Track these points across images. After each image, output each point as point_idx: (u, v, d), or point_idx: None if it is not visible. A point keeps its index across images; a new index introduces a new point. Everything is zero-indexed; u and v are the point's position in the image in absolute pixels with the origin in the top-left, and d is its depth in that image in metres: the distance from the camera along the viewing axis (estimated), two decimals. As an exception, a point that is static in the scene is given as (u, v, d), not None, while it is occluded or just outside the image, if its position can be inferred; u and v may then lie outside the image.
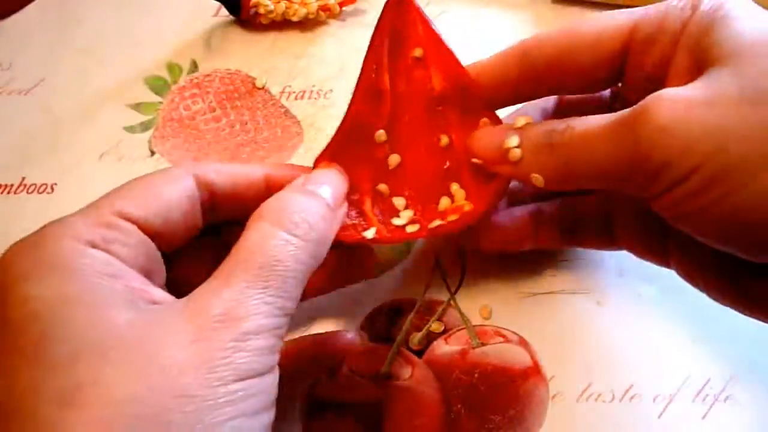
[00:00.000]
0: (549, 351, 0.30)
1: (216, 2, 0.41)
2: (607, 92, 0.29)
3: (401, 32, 0.28)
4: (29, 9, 0.43)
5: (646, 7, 0.25)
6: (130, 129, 0.38)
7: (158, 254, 0.23)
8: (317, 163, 0.28)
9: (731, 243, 0.22)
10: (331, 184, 0.25)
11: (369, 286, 0.32)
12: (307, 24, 0.41)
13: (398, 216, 0.29)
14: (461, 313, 0.31)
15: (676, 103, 0.21)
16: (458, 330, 0.31)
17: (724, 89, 0.20)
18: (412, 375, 0.30)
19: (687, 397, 0.29)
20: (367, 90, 0.28)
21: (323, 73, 0.40)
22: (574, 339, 0.31)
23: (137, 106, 0.39)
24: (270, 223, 0.22)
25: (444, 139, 0.29)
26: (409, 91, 0.29)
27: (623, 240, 0.29)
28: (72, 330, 0.19)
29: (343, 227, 0.26)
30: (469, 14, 0.41)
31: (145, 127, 0.38)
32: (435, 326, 0.31)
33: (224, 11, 0.42)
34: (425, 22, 0.28)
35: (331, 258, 0.24)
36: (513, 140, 0.25)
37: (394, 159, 0.29)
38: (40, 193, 0.36)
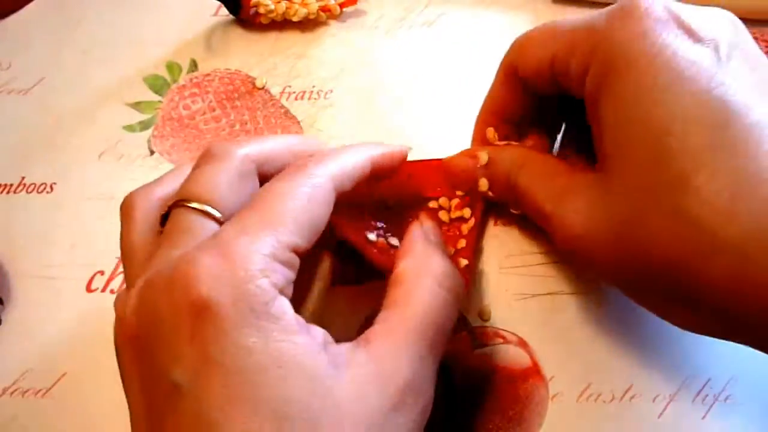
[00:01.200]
0: (549, 351, 0.30)
1: (216, 2, 0.41)
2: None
3: None
4: (29, 9, 0.43)
5: (575, 21, 0.26)
6: (130, 128, 0.38)
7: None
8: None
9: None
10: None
11: (369, 287, 0.32)
12: (307, 24, 0.41)
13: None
14: (461, 314, 0.31)
15: (567, 232, 0.25)
16: (458, 330, 0.31)
17: (605, 223, 0.23)
18: (412, 375, 0.30)
19: (687, 397, 0.29)
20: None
21: (323, 73, 0.40)
22: (574, 339, 0.31)
23: (137, 105, 0.39)
24: (434, 283, 0.23)
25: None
26: None
27: None
28: (291, 394, 0.19)
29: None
30: (469, 15, 0.41)
31: (144, 126, 0.38)
32: (435, 326, 0.31)
33: (224, 11, 0.42)
34: None
35: None
36: (484, 184, 0.30)
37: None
38: (40, 192, 0.36)
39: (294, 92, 0.39)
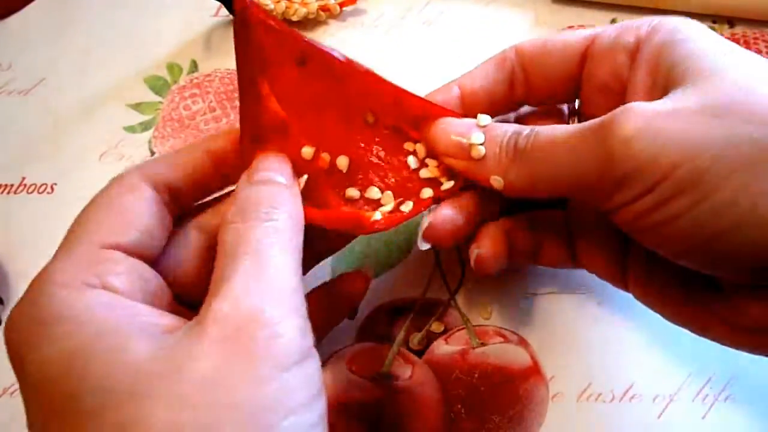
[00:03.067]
0: (549, 351, 0.30)
1: (216, 2, 0.41)
2: (565, 109, 0.29)
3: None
4: (29, 9, 0.43)
5: (607, 25, 0.26)
6: (130, 129, 0.38)
7: (152, 273, 0.23)
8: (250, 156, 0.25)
9: (690, 256, 0.22)
10: (274, 167, 0.24)
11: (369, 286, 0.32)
12: (307, 24, 0.41)
13: (382, 204, 0.27)
14: (461, 313, 0.31)
15: (642, 115, 0.21)
16: (458, 330, 0.31)
17: (688, 104, 0.21)
18: (412, 375, 0.30)
19: (687, 397, 0.29)
20: (259, 129, 0.25)
21: (323, 73, 0.40)
22: (574, 339, 0.31)
23: (137, 106, 0.39)
24: (242, 222, 0.21)
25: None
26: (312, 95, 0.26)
27: (583, 259, 0.28)
28: (91, 381, 0.18)
29: (346, 220, 0.25)
30: (468, 13, 0.41)
31: (145, 126, 0.38)
32: (435, 326, 0.31)
33: (224, 11, 0.42)
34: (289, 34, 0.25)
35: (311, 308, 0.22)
36: (477, 137, 0.25)
37: (342, 161, 0.26)
38: (40, 193, 0.36)
39: (294, 92, 0.39)
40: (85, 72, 0.41)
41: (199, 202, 0.26)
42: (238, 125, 0.26)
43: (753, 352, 0.24)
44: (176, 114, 0.39)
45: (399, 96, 0.27)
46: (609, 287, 0.32)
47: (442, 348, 0.31)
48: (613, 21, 0.40)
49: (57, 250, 0.22)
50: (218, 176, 0.26)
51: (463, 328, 0.31)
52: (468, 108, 0.28)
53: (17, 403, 0.31)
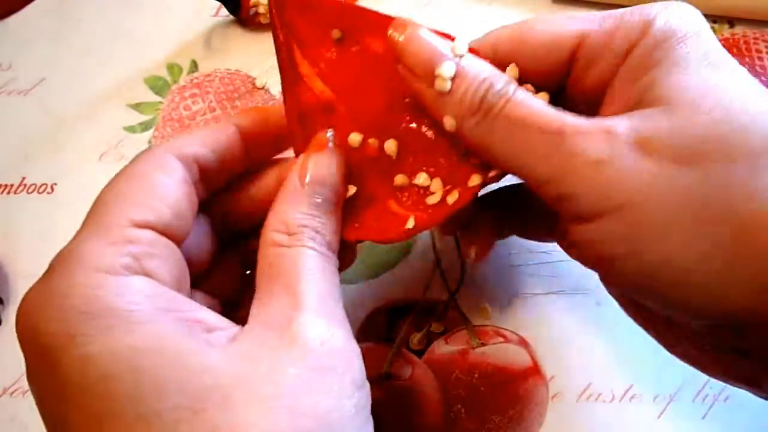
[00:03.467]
0: (549, 351, 0.30)
1: (216, 2, 0.41)
2: None
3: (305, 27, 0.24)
4: (29, 9, 0.43)
5: (602, 14, 0.23)
6: (131, 129, 0.38)
7: (180, 255, 0.22)
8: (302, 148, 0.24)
9: (632, 294, 0.22)
10: (327, 174, 0.23)
11: (369, 286, 0.32)
12: (307, 24, 0.41)
13: (431, 193, 0.25)
14: (461, 313, 0.31)
15: (612, 144, 0.20)
16: (458, 330, 0.31)
17: (658, 141, 0.20)
18: (412, 375, 0.30)
19: (687, 397, 0.29)
20: (306, 109, 0.25)
21: (323, 73, 0.40)
22: (574, 339, 0.31)
23: (137, 106, 0.39)
24: (289, 244, 0.21)
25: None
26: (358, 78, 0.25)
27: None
28: (163, 384, 0.17)
29: (380, 230, 0.25)
30: (469, 13, 0.41)
31: (145, 126, 0.38)
32: (435, 326, 0.31)
33: (224, 11, 0.42)
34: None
35: None
36: (448, 68, 0.22)
37: (390, 145, 0.25)
38: (40, 193, 0.36)
39: (294, 92, 0.39)
40: (85, 72, 0.41)
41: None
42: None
43: (723, 381, 0.23)
44: (176, 114, 0.39)
45: None
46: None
47: (442, 348, 0.31)
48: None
49: (83, 226, 0.20)
50: (246, 156, 0.25)
51: (463, 328, 0.31)
52: None
53: (17, 402, 0.31)
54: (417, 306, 0.32)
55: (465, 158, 0.24)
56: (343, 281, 0.32)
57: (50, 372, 0.18)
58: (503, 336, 0.31)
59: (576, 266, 0.32)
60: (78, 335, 0.17)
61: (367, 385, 0.20)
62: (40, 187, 0.37)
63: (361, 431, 0.19)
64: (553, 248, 0.32)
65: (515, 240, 0.33)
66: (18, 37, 0.42)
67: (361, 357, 0.20)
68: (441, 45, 0.23)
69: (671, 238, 0.19)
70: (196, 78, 0.40)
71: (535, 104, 0.21)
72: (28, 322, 0.18)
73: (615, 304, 0.31)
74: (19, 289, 0.34)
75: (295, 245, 0.21)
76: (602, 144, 0.20)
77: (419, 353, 0.31)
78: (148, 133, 0.38)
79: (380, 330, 0.31)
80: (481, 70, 0.22)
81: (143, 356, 0.17)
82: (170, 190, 0.21)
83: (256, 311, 0.20)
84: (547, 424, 0.29)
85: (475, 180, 0.24)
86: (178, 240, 0.22)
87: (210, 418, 0.17)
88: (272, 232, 0.22)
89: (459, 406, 0.29)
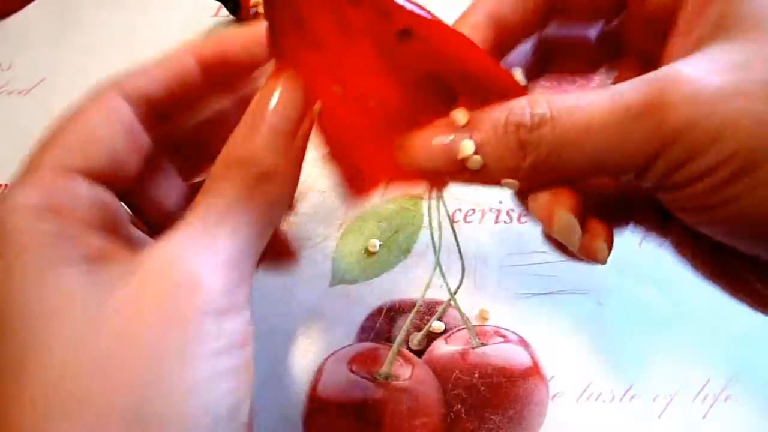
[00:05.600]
0: (549, 351, 0.30)
1: (216, 2, 0.41)
2: (592, 34, 0.24)
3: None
4: (29, 9, 0.43)
5: None
6: (130, 129, 0.38)
7: (115, 201, 0.21)
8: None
9: (737, 239, 0.20)
10: (284, 105, 0.20)
11: (369, 286, 0.32)
12: (307, 24, 0.41)
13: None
14: (461, 313, 0.31)
15: (698, 90, 0.18)
16: (458, 330, 0.31)
17: (751, 73, 0.18)
18: (412, 375, 0.30)
19: (687, 397, 0.29)
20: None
21: (323, 73, 0.40)
22: (574, 339, 0.31)
23: (137, 106, 0.39)
24: (228, 175, 0.19)
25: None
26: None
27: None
28: (11, 299, 0.17)
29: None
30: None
31: (145, 127, 0.38)
32: (435, 326, 0.31)
33: (224, 11, 0.42)
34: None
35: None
36: (467, 146, 0.20)
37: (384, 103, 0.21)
38: (40, 192, 0.36)
39: (294, 92, 0.39)
40: (85, 72, 0.40)
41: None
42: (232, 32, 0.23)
43: None
44: (176, 114, 0.39)
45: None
46: (609, 287, 0.32)
47: (442, 348, 0.31)
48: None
49: (18, 174, 0.20)
50: (209, 86, 0.22)
51: (463, 328, 0.31)
52: (501, 41, 0.23)
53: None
54: (417, 306, 0.32)
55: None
56: (343, 281, 0.33)
57: None
58: (503, 336, 0.31)
59: (576, 266, 0.32)
60: None
61: (238, 312, 0.18)
62: (40, 186, 0.37)
63: (215, 358, 0.17)
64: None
65: (515, 240, 0.33)
66: (18, 37, 0.42)
67: (227, 284, 0.18)
68: (442, 130, 0.21)
69: None
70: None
71: (586, 107, 0.19)
72: None
73: (615, 304, 0.31)
74: (19, 289, 0.34)
75: (229, 177, 0.19)
76: (687, 105, 0.18)
77: (419, 353, 0.31)
78: (148, 133, 0.38)
79: (380, 330, 0.31)
80: (496, 115, 0.20)
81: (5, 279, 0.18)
82: (106, 133, 0.20)
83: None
84: (547, 424, 0.29)
85: None
86: (117, 186, 0.21)
87: (21, 337, 0.17)
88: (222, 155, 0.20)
89: (459, 406, 0.29)
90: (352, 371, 0.30)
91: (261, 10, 0.40)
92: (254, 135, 0.20)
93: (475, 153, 0.20)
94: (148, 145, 0.22)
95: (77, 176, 0.20)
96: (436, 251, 0.33)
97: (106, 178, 0.20)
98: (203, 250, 0.18)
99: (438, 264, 0.33)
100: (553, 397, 0.30)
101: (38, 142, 0.20)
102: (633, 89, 0.19)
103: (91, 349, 0.17)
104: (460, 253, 0.33)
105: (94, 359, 0.17)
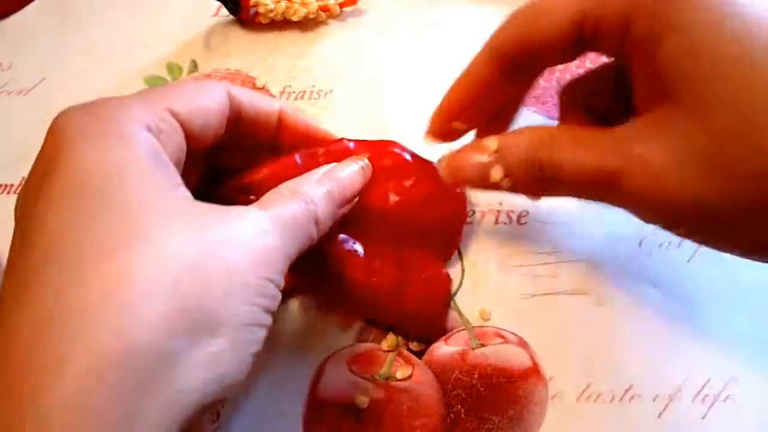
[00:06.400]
0: (548, 351, 0.30)
1: (216, 2, 0.41)
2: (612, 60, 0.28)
3: None
4: (29, 9, 0.43)
5: None
6: (130, 129, 0.38)
7: (186, 156, 0.24)
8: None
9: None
10: (344, 182, 0.27)
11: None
12: (307, 24, 0.41)
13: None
14: (461, 314, 0.31)
15: (650, 173, 0.22)
16: (458, 331, 0.31)
17: (693, 152, 0.21)
18: (412, 376, 0.30)
19: (687, 397, 0.29)
20: None
21: (323, 73, 0.40)
22: (574, 339, 0.31)
23: (137, 106, 0.39)
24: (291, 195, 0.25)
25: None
26: None
27: None
28: (128, 193, 0.20)
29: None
30: (468, 14, 0.41)
31: (145, 127, 0.38)
32: (435, 326, 0.31)
33: (224, 11, 0.42)
34: None
35: None
36: (497, 172, 0.26)
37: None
38: (40, 193, 0.36)
39: (294, 92, 0.39)
40: (85, 72, 0.41)
41: None
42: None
43: None
44: (176, 114, 0.39)
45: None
46: (609, 287, 0.32)
47: (441, 349, 0.31)
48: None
49: (133, 95, 0.24)
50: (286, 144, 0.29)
51: (462, 329, 0.31)
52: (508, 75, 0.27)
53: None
54: (417, 306, 0.32)
55: None
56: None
57: (46, 157, 0.21)
58: (503, 337, 0.31)
59: (576, 267, 0.32)
60: (86, 139, 0.20)
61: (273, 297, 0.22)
62: (40, 187, 0.37)
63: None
64: (553, 249, 0.32)
65: (515, 241, 0.33)
66: (18, 37, 0.42)
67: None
68: (477, 156, 0.26)
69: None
70: (196, 78, 0.40)
71: (576, 152, 0.24)
72: (60, 120, 0.21)
73: (615, 304, 0.31)
74: (19, 289, 0.34)
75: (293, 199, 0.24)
76: (645, 178, 0.22)
77: (419, 354, 0.31)
78: (148, 133, 0.38)
79: (381, 331, 0.31)
80: (518, 147, 0.25)
81: (125, 169, 0.20)
82: (208, 105, 0.25)
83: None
84: (547, 424, 0.29)
85: None
86: (192, 145, 0.25)
87: (132, 227, 0.19)
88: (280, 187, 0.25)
89: (459, 406, 0.29)
90: (352, 371, 0.30)
91: (261, 10, 0.40)
92: (321, 185, 0.26)
93: (505, 176, 0.25)
94: (219, 138, 0.26)
95: (178, 122, 0.24)
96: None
97: (191, 138, 0.24)
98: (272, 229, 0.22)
99: (438, 264, 0.33)
100: (553, 397, 0.30)
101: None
102: (598, 158, 0.23)
103: (196, 258, 0.20)
104: (459, 254, 0.33)
105: (196, 266, 0.20)
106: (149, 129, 0.22)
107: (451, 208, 0.32)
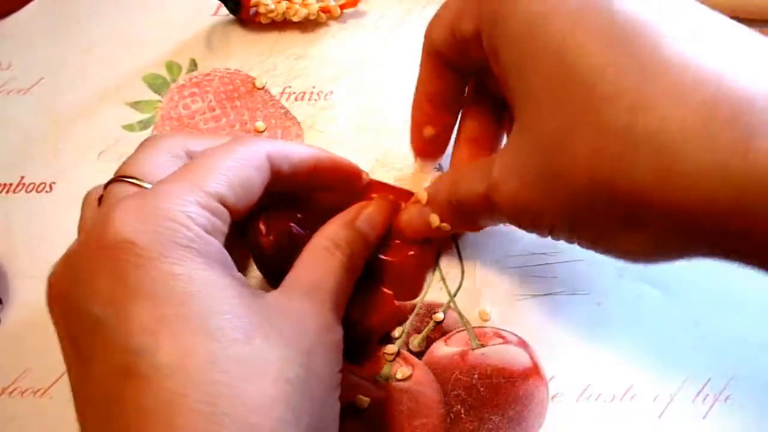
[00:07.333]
0: (549, 351, 0.30)
1: (216, 1, 0.41)
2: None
3: None
4: (29, 9, 0.43)
5: None
6: (129, 127, 0.38)
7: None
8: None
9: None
10: (376, 222, 0.29)
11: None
12: (307, 24, 0.41)
13: None
14: (461, 315, 0.31)
15: (504, 195, 0.24)
16: (458, 332, 0.31)
17: (531, 171, 0.22)
18: (412, 376, 0.30)
19: (687, 397, 0.29)
20: None
21: (324, 74, 0.40)
22: (574, 339, 0.31)
23: (136, 105, 0.39)
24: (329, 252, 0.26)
25: None
26: None
27: None
28: (225, 307, 0.20)
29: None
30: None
31: (144, 125, 0.38)
32: (435, 328, 0.31)
33: (224, 11, 0.42)
34: None
35: None
36: (435, 219, 0.29)
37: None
38: (39, 192, 0.36)
39: (294, 93, 0.39)
40: (85, 71, 0.40)
41: None
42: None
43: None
44: (175, 113, 0.39)
45: None
46: (609, 288, 0.32)
47: (441, 349, 0.31)
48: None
49: (181, 177, 0.23)
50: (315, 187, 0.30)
51: (462, 330, 0.31)
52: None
53: (16, 402, 0.31)
54: (417, 308, 0.32)
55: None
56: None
57: (114, 269, 0.20)
58: (503, 337, 0.31)
59: (576, 267, 0.32)
60: (168, 256, 0.20)
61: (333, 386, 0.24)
62: (39, 186, 0.37)
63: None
64: (553, 249, 0.32)
65: (515, 241, 0.33)
66: (18, 37, 0.42)
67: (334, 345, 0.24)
68: (419, 211, 0.30)
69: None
70: (196, 77, 0.40)
71: (469, 183, 0.26)
72: (124, 227, 0.20)
73: (615, 304, 0.31)
74: (18, 289, 0.34)
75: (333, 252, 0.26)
76: (506, 190, 0.24)
77: (419, 355, 0.31)
78: (147, 132, 0.38)
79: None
80: (441, 190, 0.28)
81: (210, 287, 0.20)
82: (254, 186, 0.25)
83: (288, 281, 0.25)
84: (547, 424, 0.29)
85: None
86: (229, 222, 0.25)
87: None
88: (321, 238, 0.26)
89: (459, 406, 0.29)
90: (352, 371, 0.30)
91: (261, 10, 0.40)
92: (354, 223, 0.28)
93: (442, 222, 0.29)
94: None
95: (227, 210, 0.23)
96: (438, 254, 0.33)
97: (236, 219, 0.24)
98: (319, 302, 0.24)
99: (438, 266, 0.33)
100: (553, 397, 0.29)
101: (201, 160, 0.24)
102: (480, 184, 0.25)
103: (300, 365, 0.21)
104: (459, 254, 0.33)
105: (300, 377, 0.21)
106: (206, 230, 0.22)
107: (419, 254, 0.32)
